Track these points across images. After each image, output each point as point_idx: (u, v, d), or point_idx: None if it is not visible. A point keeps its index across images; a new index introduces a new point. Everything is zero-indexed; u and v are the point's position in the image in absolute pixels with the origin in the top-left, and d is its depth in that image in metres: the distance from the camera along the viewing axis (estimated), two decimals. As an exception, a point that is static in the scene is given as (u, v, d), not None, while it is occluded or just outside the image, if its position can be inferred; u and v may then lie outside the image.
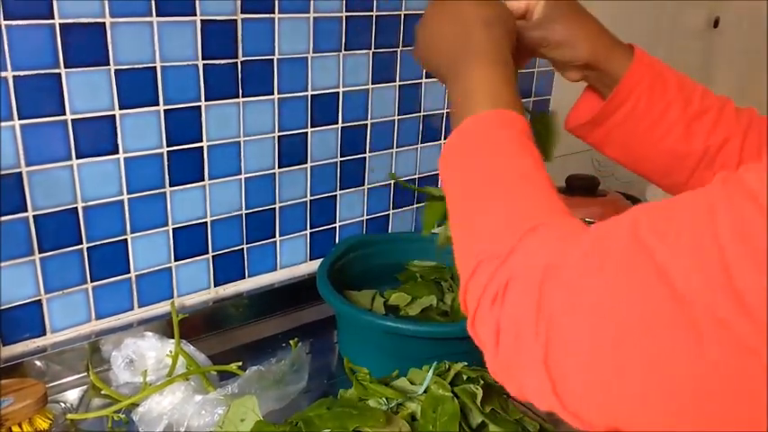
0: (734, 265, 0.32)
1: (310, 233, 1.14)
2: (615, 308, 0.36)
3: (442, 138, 1.24)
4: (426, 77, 1.18)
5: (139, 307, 0.99)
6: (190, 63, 0.91)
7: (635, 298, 0.35)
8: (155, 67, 0.89)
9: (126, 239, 0.94)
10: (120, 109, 0.88)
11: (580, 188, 1.26)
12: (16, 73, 0.79)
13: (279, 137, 1.04)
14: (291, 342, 0.95)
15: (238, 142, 1.00)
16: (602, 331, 0.37)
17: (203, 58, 0.92)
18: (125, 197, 0.92)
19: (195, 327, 1.00)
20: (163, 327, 0.97)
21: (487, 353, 0.44)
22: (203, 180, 0.98)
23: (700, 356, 0.33)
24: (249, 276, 1.09)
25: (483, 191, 0.49)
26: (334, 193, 1.14)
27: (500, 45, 0.57)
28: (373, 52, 1.09)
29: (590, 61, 0.66)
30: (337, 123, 1.09)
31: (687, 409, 0.35)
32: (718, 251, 0.32)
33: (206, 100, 0.94)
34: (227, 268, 1.06)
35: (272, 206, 1.07)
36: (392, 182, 1.20)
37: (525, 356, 0.40)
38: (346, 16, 1.04)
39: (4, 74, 0.78)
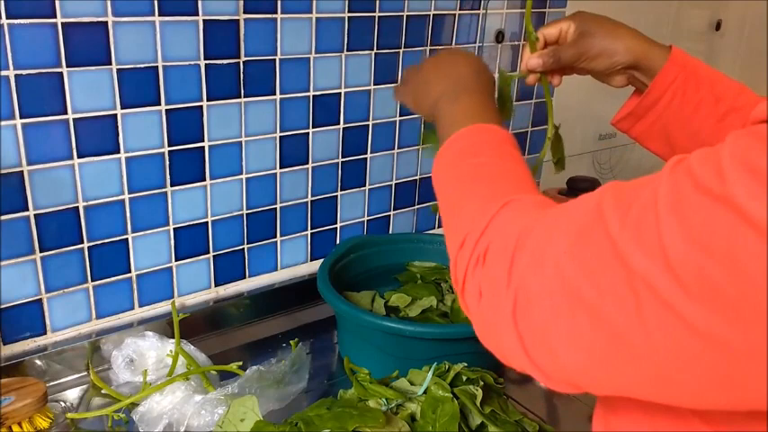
0: (667, 235, 0.34)
1: (311, 233, 1.14)
2: (572, 271, 0.40)
3: (444, 139, 1.24)
4: (428, 78, 1.17)
5: (140, 306, 0.99)
6: (192, 63, 0.91)
7: (589, 263, 0.39)
8: (157, 66, 0.89)
9: (127, 239, 0.94)
10: (122, 108, 0.88)
11: (581, 190, 1.26)
12: (18, 72, 0.79)
13: (280, 137, 1.04)
14: (292, 342, 0.95)
15: (240, 142, 1.00)
16: (559, 291, 0.40)
17: (205, 58, 0.92)
18: (126, 197, 0.92)
19: (196, 326, 1.00)
20: (163, 326, 0.97)
21: (473, 316, 0.48)
22: (204, 180, 0.98)
23: (639, 322, 0.36)
24: (250, 276, 1.09)
25: (465, 184, 0.55)
26: (335, 194, 1.14)
27: (485, 86, 0.66)
28: (375, 53, 1.09)
29: (630, 64, 0.72)
30: (339, 124, 1.09)
31: (633, 371, 0.38)
32: (656, 223, 0.35)
33: (208, 100, 0.94)
34: (228, 268, 1.06)
35: (273, 206, 1.07)
36: (393, 183, 1.20)
37: (499, 313, 0.44)
38: (348, 17, 1.04)
39: (5, 73, 0.79)
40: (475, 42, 1.22)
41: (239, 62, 0.95)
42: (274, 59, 0.99)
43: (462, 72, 0.67)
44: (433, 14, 1.14)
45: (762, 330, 0.32)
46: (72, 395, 0.89)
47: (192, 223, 1.00)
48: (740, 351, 0.33)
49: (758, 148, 0.33)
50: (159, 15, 0.87)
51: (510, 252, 0.44)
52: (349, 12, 1.03)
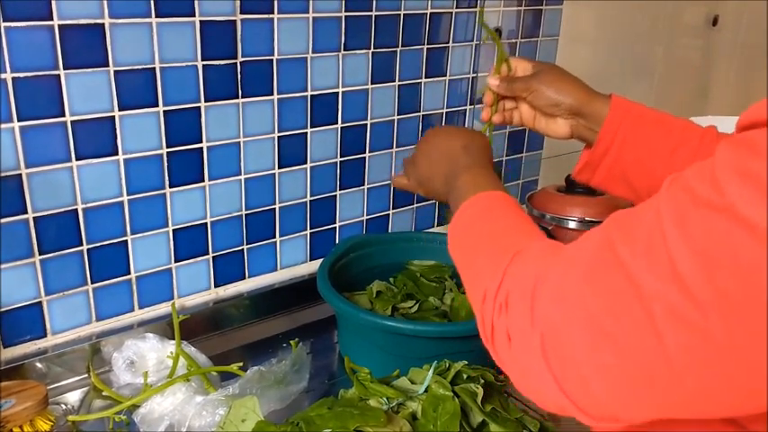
0: (675, 252, 0.35)
1: (310, 233, 1.14)
2: (590, 301, 0.41)
3: (442, 137, 1.24)
4: (426, 77, 1.18)
5: (140, 308, 0.99)
6: (189, 64, 0.91)
7: (604, 292, 0.40)
8: (154, 68, 0.89)
9: (126, 241, 0.94)
10: (120, 110, 0.88)
11: (579, 187, 1.26)
12: (15, 75, 0.79)
13: (278, 137, 1.04)
14: (292, 342, 0.95)
15: (238, 143, 1.00)
16: (581, 322, 0.41)
17: (203, 59, 0.92)
18: (125, 198, 0.92)
19: (196, 328, 1.00)
20: (163, 328, 0.97)
21: (506, 365, 0.49)
22: (203, 181, 0.98)
23: (658, 343, 0.36)
24: (249, 277, 1.09)
25: (478, 245, 0.60)
26: (333, 194, 1.14)
27: (478, 157, 0.73)
28: (372, 52, 1.09)
29: (573, 108, 0.77)
30: (337, 123, 1.09)
31: (661, 393, 0.38)
32: (664, 243, 0.36)
33: (205, 101, 0.94)
34: (228, 269, 1.06)
35: (272, 206, 1.07)
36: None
37: (530, 354, 0.45)
38: (345, 16, 1.04)
39: (3, 75, 0.78)
40: (472, 40, 1.22)
41: (237, 63, 0.95)
42: (272, 60, 0.99)
43: (454, 151, 0.74)
44: (430, 13, 1.14)
45: None
46: (73, 397, 0.89)
47: (191, 224, 1.00)
48: (760, 357, 0.33)
49: (747, 153, 0.34)
50: (156, 17, 0.87)
51: (529, 294, 0.46)
52: (346, 11, 1.03)
